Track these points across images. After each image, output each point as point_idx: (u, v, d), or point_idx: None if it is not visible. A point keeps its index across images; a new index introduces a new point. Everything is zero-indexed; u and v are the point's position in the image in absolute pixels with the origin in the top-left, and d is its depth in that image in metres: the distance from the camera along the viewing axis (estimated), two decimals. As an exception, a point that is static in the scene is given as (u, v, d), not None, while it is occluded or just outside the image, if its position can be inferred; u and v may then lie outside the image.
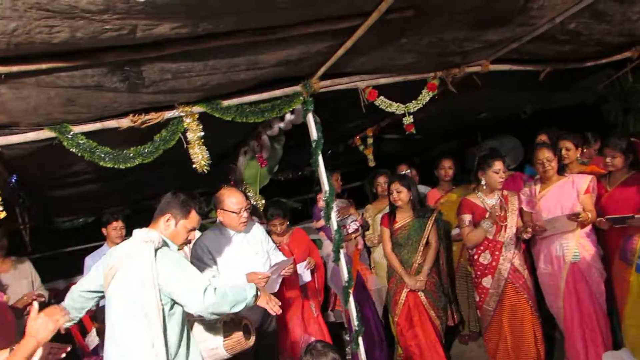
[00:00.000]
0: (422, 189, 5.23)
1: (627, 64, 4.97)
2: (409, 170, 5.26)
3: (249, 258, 3.44)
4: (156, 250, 2.54)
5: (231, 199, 3.35)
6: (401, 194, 4.04)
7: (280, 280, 3.48)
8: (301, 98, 3.65)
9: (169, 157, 3.48)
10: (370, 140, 5.90)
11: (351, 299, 3.81)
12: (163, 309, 2.50)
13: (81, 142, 3.06)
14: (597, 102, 5.92)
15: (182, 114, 3.30)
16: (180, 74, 2.81)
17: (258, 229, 3.62)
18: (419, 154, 8.60)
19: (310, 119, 3.74)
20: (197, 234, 3.59)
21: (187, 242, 2.79)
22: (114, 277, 2.57)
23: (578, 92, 6.06)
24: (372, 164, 5.85)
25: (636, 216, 3.46)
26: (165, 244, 2.63)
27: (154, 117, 3.21)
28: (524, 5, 3.08)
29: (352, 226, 4.73)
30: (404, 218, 4.11)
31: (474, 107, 5.94)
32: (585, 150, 4.53)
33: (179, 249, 2.73)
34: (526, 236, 3.73)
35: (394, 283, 4.09)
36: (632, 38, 4.39)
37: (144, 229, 2.64)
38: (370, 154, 5.89)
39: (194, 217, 2.70)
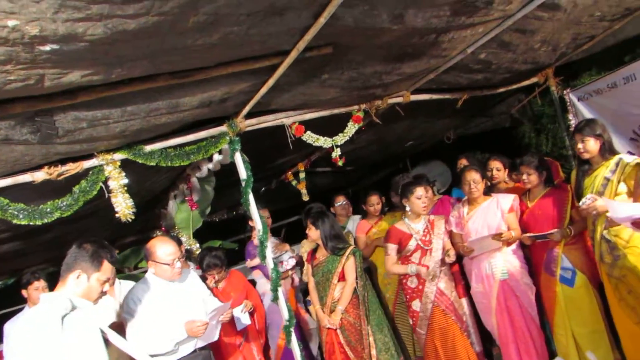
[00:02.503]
0: (357, 218, 5.30)
1: (535, 89, 5.33)
2: (345, 201, 5.31)
3: (186, 307, 3.30)
4: (63, 317, 2.28)
5: (163, 250, 3.18)
6: (310, 232, 4.05)
7: (219, 327, 3.35)
8: (227, 138, 3.63)
9: (93, 207, 3.32)
10: (302, 175, 5.92)
11: (294, 337, 3.73)
12: None
13: (-9, 200, 2.86)
14: (512, 124, 6.27)
15: (102, 162, 3.17)
16: (97, 122, 2.72)
17: (192, 276, 3.49)
18: (351, 185, 8.71)
19: (238, 158, 3.71)
20: (127, 285, 3.42)
21: (103, 294, 2.60)
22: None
23: (494, 116, 6.41)
24: (305, 198, 5.86)
25: (554, 231, 3.63)
26: (75, 307, 2.40)
27: (72, 168, 3.06)
28: (435, 39, 3.24)
29: (290, 262, 4.68)
30: (321, 255, 4.10)
31: (400, 136, 6.12)
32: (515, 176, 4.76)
33: (94, 304, 2.53)
34: (449, 260, 3.83)
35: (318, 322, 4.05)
36: (537, 65, 4.73)
37: (49, 295, 2.41)
38: (304, 188, 5.90)
39: (107, 268, 2.48)
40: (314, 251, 4.18)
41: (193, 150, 3.48)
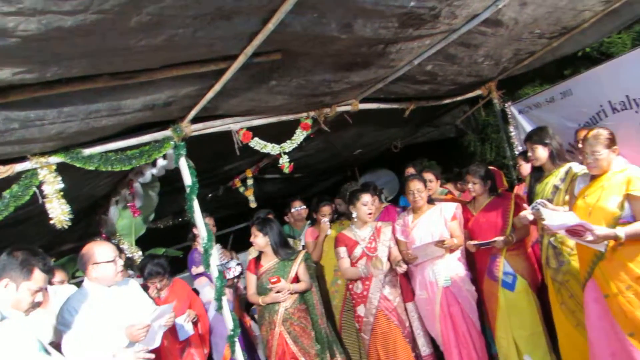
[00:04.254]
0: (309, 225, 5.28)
1: (479, 101, 5.51)
2: (303, 207, 5.27)
3: (125, 313, 3.16)
4: None
5: (102, 249, 3.04)
6: (257, 239, 4.00)
7: (162, 333, 3.23)
8: (172, 143, 3.53)
9: (26, 213, 3.14)
10: (250, 181, 5.85)
11: (238, 347, 3.66)
12: None
13: None
14: (457, 134, 6.45)
15: (36, 165, 3.00)
16: (30, 123, 2.58)
17: (132, 284, 3.35)
18: (301, 191, 8.69)
19: (183, 163, 3.61)
20: (65, 293, 3.25)
21: (35, 305, 2.44)
22: None
23: (440, 126, 6.57)
24: (253, 205, 5.79)
25: (497, 239, 3.75)
26: (4, 317, 2.25)
27: (2, 171, 2.88)
28: (383, 50, 3.28)
29: (237, 269, 4.58)
30: (269, 262, 4.05)
31: (348, 144, 6.17)
32: (459, 185, 4.88)
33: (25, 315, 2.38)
34: (400, 270, 3.87)
35: (265, 330, 3.97)
36: (481, 78, 4.89)
37: None
38: (251, 194, 5.82)
39: (38, 277, 2.33)
40: (257, 260, 4.11)
41: (135, 155, 3.36)
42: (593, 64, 4.36)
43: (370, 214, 4.02)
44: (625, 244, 2.78)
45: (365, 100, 4.49)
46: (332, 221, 4.85)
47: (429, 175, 4.55)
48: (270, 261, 4.03)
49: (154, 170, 3.95)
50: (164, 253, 5.81)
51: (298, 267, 4.02)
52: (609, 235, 2.75)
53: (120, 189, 4.60)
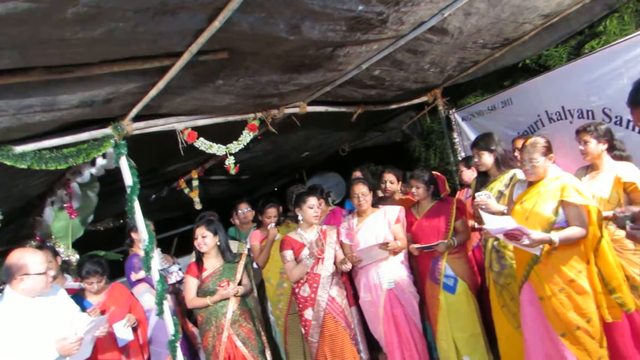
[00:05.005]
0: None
1: (425, 107, 5.62)
2: (249, 209, 5.19)
3: (54, 325, 2.99)
4: None
5: (34, 259, 2.86)
6: (206, 239, 3.91)
7: (92, 344, 3.09)
8: (112, 141, 3.38)
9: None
10: (195, 183, 5.71)
11: (179, 353, 3.56)
12: None
13: None
14: (403, 139, 6.56)
15: (-39, 162, 2.82)
16: (-46, 117, 2.41)
17: (61, 293, 3.19)
18: (247, 193, 8.60)
19: (124, 163, 3.48)
20: None
21: None
22: None
23: (387, 131, 6.67)
24: (198, 206, 5.65)
25: (439, 242, 3.83)
26: None
27: None
28: (332, 53, 3.29)
29: (179, 274, 4.46)
30: (213, 264, 3.98)
31: (296, 146, 6.15)
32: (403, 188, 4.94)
33: None
34: (345, 268, 3.89)
35: (211, 336, 3.87)
36: (426, 85, 4.99)
37: None
38: (196, 196, 5.69)
39: None
40: (198, 263, 4.01)
41: (72, 153, 3.20)
42: (531, 75, 4.54)
43: (316, 216, 4.02)
44: (558, 248, 2.90)
45: (313, 102, 4.48)
46: (277, 223, 4.82)
47: (389, 176, 4.57)
48: (215, 264, 3.95)
49: (93, 170, 3.78)
50: (103, 256, 5.59)
51: (243, 271, 4.00)
52: (544, 239, 2.86)
53: (56, 189, 4.38)
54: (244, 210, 5.13)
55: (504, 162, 3.70)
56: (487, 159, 3.69)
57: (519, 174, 3.58)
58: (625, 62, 3.53)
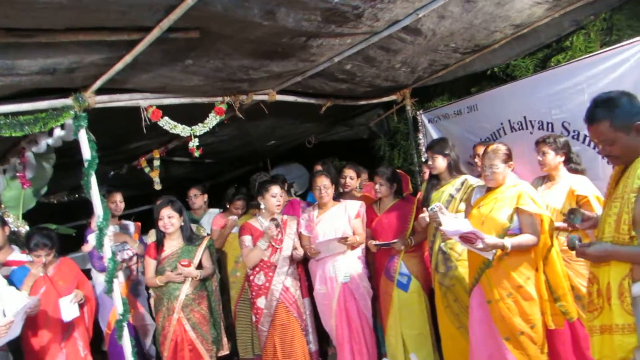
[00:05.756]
0: (213, 213, 5.17)
1: (393, 106, 5.66)
2: (198, 194, 5.15)
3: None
4: None
5: None
6: (172, 219, 3.88)
7: (22, 323, 3.00)
8: (72, 112, 3.27)
9: None
10: (156, 162, 5.60)
11: (126, 332, 3.50)
12: None
13: None
14: (369, 137, 6.59)
15: None
16: None
17: None
18: (210, 178, 8.49)
19: (83, 135, 3.37)
20: None
21: None
22: None
23: (354, 127, 6.68)
24: (158, 187, 5.55)
25: (397, 241, 3.88)
26: None
27: None
28: (305, 43, 3.27)
29: (129, 252, 4.39)
30: (172, 246, 3.94)
31: (263, 134, 6.10)
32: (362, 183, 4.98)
33: None
34: (297, 254, 3.96)
35: (162, 317, 3.86)
36: (396, 84, 5.02)
37: None
38: (157, 176, 5.58)
39: None
40: (158, 243, 3.96)
41: (29, 121, 3.08)
42: (498, 83, 4.63)
43: (278, 205, 4.02)
44: (510, 254, 2.99)
45: (283, 91, 4.45)
46: (244, 213, 4.83)
47: (350, 172, 4.62)
48: (175, 245, 3.91)
49: (50, 141, 3.65)
50: (55, 230, 5.43)
51: (202, 253, 3.96)
52: (497, 244, 2.93)
53: (10, 157, 4.22)
54: (192, 197, 5.09)
55: (456, 167, 3.79)
56: (441, 162, 3.77)
57: (470, 179, 3.67)
58: (588, 78, 3.64)
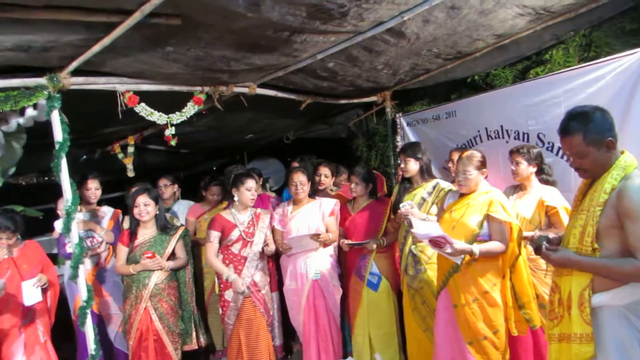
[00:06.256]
0: (185, 203, 5.12)
1: (373, 107, 5.69)
2: (168, 184, 5.09)
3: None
4: None
5: None
6: (149, 207, 3.84)
7: None
8: (46, 92, 3.20)
9: None
10: (131, 149, 5.51)
11: (89, 319, 3.44)
12: None
13: None
14: (348, 136, 6.61)
15: None
16: None
17: None
18: (185, 168, 8.42)
19: (56, 117, 3.30)
20: None
21: None
22: None
23: (333, 125, 6.70)
24: (130, 174, 5.47)
25: (370, 241, 3.90)
26: None
27: None
28: (289, 37, 3.25)
29: (97, 239, 4.31)
30: (145, 234, 3.90)
31: (241, 127, 6.06)
32: (335, 179, 4.99)
33: None
34: (267, 250, 3.95)
35: (129, 305, 3.81)
36: (378, 85, 5.04)
37: None
38: (130, 163, 5.50)
39: None
40: (131, 231, 3.91)
41: (0, 99, 3.00)
42: (478, 91, 4.69)
43: (253, 199, 4.00)
44: (478, 260, 3.02)
45: (263, 85, 4.43)
46: (220, 201, 4.81)
47: (325, 170, 4.63)
48: (148, 234, 3.87)
49: (21, 120, 3.55)
50: (21, 212, 5.30)
51: (176, 243, 3.93)
52: (466, 250, 2.97)
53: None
54: (161, 187, 5.04)
55: (428, 171, 3.83)
56: (413, 166, 3.80)
57: (442, 184, 3.71)
58: (565, 91, 3.70)
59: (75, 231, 3.37)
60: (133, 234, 3.90)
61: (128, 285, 3.87)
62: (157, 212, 3.91)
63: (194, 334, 4.08)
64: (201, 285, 4.72)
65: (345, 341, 4.25)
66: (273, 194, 5.31)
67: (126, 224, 4.15)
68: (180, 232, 4.02)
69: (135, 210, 3.83)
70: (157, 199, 3.91)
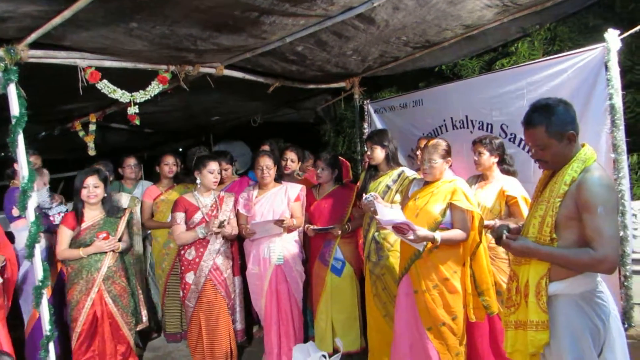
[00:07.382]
0: (147, 184, 5.03)
1: (342, 93, 5.68)
2: (136, 164, 4.97)
3: None
4: None
5: None
6: (98, 189, 3.73)
7: None
8: (2, 64, 3.06)
9: None
10: (92, 127, 5.36)
11: (44, 300, 3.35)
12: None
13: None
14: (315, 121, 6.60)
15: None
16: None
17: None
18: (148, 148, 8.26)
19: (13, 91, 3.17)
20: None
21: None
22: None
23: (301, 110, 6.67)
24: (92, 152, 5.32)
25: (335, 226, 3.92)
26: None
27: None
28: (257, 18, 3.20)
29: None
30: (93, 216, 3.80)
31: (207, 108, 5.98)
32: (301, 164, 4.97)
33: None
34: (225, 231, 3.89)
35: (77, 291, 3.69)
36: (346, 71, 5.04)
37: None
38: (92, 141, 5.34)
39: None
40: (77, 213, 3.76)
41: (-48, 70, 2.86)
42: (445, 81, 4.74)
43: (215, 182, 3.95)
44: (440, 247, 3.07)
45: (231, 67, 4.37)
46: (176, 180, 4.73)
47: (291, 155, 4.59)
48: (96, 216, 3.76)
49: (-26, 94, 3.42)
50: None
51: (125, 227, 3.88)
52: (428, 237, 3.01)
53: None
54: (130, 166, 4.92)
55: (394, 159, 3.85)
56: (379, 153, 3.81)
57: (407, 172, 3.75)
58: (529, 84, 3.78)
59: (31, 208, 3.26)
60: (79, 216, 3.76)
61: (76, 271, 3.69)
62: (105, 195, 3.81)
63: (143, 311, 4.06)
64: (158, 266, 4.69)
65: (307, 326, 4.28)
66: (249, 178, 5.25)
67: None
68: (127, 214, 3.96)
69: (84, 192, 3.70)
70: (106, 181, 3.80)
